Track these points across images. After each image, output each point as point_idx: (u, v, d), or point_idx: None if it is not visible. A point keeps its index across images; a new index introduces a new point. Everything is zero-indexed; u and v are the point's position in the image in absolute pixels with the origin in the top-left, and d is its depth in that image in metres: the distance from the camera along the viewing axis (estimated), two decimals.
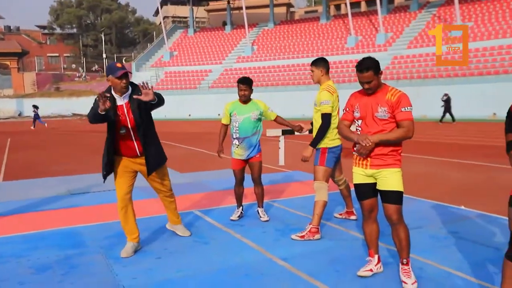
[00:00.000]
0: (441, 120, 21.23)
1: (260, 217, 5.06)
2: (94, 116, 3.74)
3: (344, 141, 3.94)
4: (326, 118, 4.26)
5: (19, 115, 42.25)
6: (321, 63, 4.42)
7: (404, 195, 3.27)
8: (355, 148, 3.27)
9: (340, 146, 4.45)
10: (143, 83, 3.74)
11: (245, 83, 4.80)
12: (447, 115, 21.07)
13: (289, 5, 56.07)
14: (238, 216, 5.11)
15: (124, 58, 49.16)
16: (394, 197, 3.18)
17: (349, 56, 31.83)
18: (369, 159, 3.21)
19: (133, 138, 3.92)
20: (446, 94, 21.13)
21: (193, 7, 44.75)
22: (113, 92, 3.86)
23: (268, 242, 4.27)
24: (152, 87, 3.82)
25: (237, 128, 4.85)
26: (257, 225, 4.85)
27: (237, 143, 4.88)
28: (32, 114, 26.56)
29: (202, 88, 35.00)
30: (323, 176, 4.36)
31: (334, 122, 4.31)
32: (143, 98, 3.70)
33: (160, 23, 44.14)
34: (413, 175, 7.75)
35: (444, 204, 5.58)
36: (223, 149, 5.06)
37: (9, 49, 50.83)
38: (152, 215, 5.21)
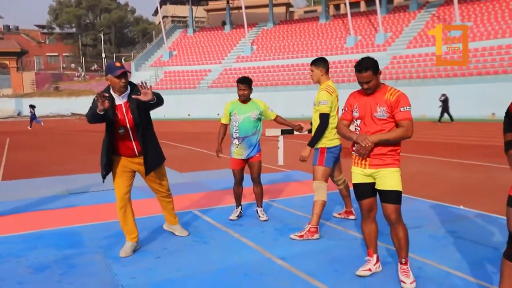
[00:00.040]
0: (439, 120, 21.27)
1: (259, 216, 5.06)
2: (93, 116, 3.73)
3: (344, 141, 3.94)
4: (324, 118, 4.26)
5: (18, 114, 42.20)
6: (321, 63, 4.42)
7: (403, 194, 3.27)
8: (354, 148, 3.28)
9: (339, 146, 4.46)
10: (141, 82, 3.74)
11: (245, 83, 4.80)
12: (445, 115, 21.11)
13: (288, 5, 56.07)
14: (237, 216, 5.11)
15: (123, 57, 49.11)
16: (393, 197, 3.18)
17: (348, 56, 31.82)
18: (368, 158, 3.21)
19: (132, 138, 3.92)
20: (444, 94, 21.16)
21: (193, 7, 44.70)
22: (112, 92, 3.85)
23: (267, 241, 4.27)
24: (151, 86, 3.82)
25: (237, 128, 4.85)
26: (256, 225, 4.85)
27: (237, 142, 4.88)
28: (29, 114, 26.58)
29: (201, 88, 34.99)
30: (322, 176, 4.36)
31: (333, 122, 4.31)
32: (142, 98, 3.70)
33: (160, 22, 44.11)
34: (412, 175, 7.76)
35: (443, 204, 5.59)
36: (222, 149, 5.05)
37: (8, 48, 50.77)
38: (151, 214, 5.20)
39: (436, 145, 12.79)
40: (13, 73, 50.63)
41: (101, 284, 3.36)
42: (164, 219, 4.59)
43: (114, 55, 55.57)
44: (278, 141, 9.82)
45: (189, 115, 32.93)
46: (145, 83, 3.75)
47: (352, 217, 4.98)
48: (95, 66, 56.88)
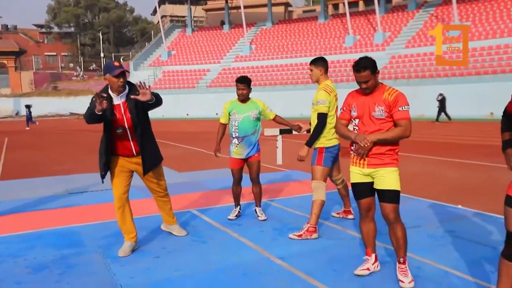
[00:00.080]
0: (437, 120, 21.30)
1: (258, 216, 5.06)
2: (91, 116, 3.72)
3: (342, 140, 3.95)
4: (322, 118, 4.27)
5: (17, 114, 42.12)
6: (320, 62, 4.42)
7: (401, 194, 3.28)
8: (352, 148, 3.28)
9: (337, 146, 4.46)
10: (140, 82, 3.73)
11: (244, 82, 4.80)
12: (442, 114, 21.14)
13: (287, 5, 56.04)
14: (236, 216, 5.11)
15: (122, 57, 48.99)
16: (391, 196, 3.19)
17: (347, 55, 31.83)
18: (366, 158, 3.22)
19: (130, 137, 3.91)
20: (441, 94, 21.20)
21: (191, 6, 44.67)
22: (110, 92, 3.85)
23: (266, 241, 4.27)
24: (149, 86, 3.81)
25: (237, 127, 4.85)
26: (254, 224, 4.85)
27: (237, 142, 4.88)
28: (27, 114, 26.62)
29: (200, 87, 34.97)
30: (321, 175, 4.36)
31: (332, 121, 4.31)
32: (141, 98, 3.69)
33: (158, 22, 43.99)
34: (411, 174, 7.77)
35: (442, 203, 5.60)
36: (220, 149, 5.05)
37: (6, 48, 50.65)
38: (150, 214, 5.20)
39: (435, 145, 12.81)
40: (11, 72, 50.53)
41: (100, 284, 3.36)
42: (162, 220, 4.58)
43: (113, 54, 55.47)
44: (277, 140, 9.82)
45: (187, 114, 32.92)
46: (144, 83, 3.75)
47: (350, 216, 4.98)
48: (94, 65, 56.77)
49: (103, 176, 3.99)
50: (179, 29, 45.80)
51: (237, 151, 4.90)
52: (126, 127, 3.86)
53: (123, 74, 3.77)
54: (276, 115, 5.07)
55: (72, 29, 65.84)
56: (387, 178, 3.19)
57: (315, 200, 4.34)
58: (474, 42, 26.73)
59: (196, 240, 4.34)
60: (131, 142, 3.93)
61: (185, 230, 4.56)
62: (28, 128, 25.05)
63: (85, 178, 7.83)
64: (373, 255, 3.45)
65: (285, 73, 33.08)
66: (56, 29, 66.23)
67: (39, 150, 14.04)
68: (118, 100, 3.85)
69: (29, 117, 26.07)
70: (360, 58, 3.20)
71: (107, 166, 3.95)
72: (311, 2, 63.89)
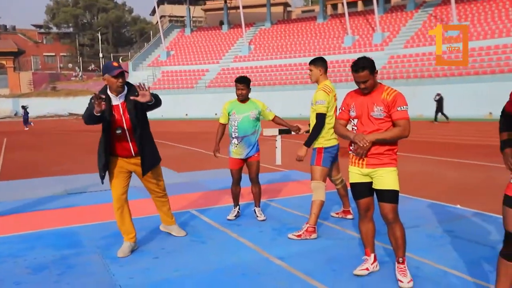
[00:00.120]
0: (435, 120, 21.32)
1: (257, 216, 5.06)
2: (89, 117, 3.72)
3: (341, 140, 3.95)
4: (320, 118, 4.27)
5: (15, 114, 42.07)
6: (320, 62, 4.43)
7: (400, 194, 3.28)
8: (351, 148, 3.28)
9: (336, 146, 4.46)
10: (139, 84, 3.74)
11: (243, 82, 4.80)
12: (440, 114, 21.16)
13: (286, 5, 56.06)
14: (235, 216, 5.11)
15: (121, 57, 48.95)
16: (390, 196, 3.19)
17: (346, 55, 31.85)
18: (365, 158, 3.22)
19: (129, 138, 3.91)
20: (438, 94, 21.23)
21: (190, 7, 44.66)
22: (109, 92, 3.84)
23: (265, 241, 4.28)
24: (149, 88, 3.82)
25: (236, 127, 4.86)
26: (254, 225, 4.86)
27: (236, 142, 4.88)
28: (24, 115, 26.66)
29: (199, 87, 34.96)
30: (320, 176, 4.37)
31: (331, 122, 4.32)
32: (140, 99, 3.69)
33: (157, 22, 44.02)
34: (409, 174, 7.78)
35: (440, 203, 5.60)
36: (220, 149, 5.05)
37: (5, 48, 50.61)
38: (149, 215, 5.20)
39: (434, 145, 12.82)
40: (10, 73, 50.47)
41: (99, 284, 3.36)
42: (161, 220, 4.58)
43: (112, 55, 55.41)
44: (276, 140, 9.83)
45: (186, 115, 32.91)
46: (144, 85, 3.75)
47: (349, 216, 4.99)
48: (93, 66, 56.72)
49: (102, 177, 3.99)
50: (178, 29, 45.78)
51: (236, 151, 4.90)
52: (125, 128, 3.86)
53: (122, 74, 3.77)
54: (275, 116, 5.08)
55: (71, 30, 65.75)
56: (386, 178, 3.19)
57: (314, 200, 4.35)
58: (473, 42, 26.74)
59: (195, 241, 4.35)
60: (130, 143, 3.92)
61: (184, 230, 4.56)
62: (27, 129, 25.03)
63: (84, 178, 7.83)
64: (372, 255, 3.45)
65: (284, 73, 33.09)
66: (54, 30, 66.13)
67: (38, 150, 14.03)
68: (117, 101, 3.85)
69: (25, 118, 26.09)
70: (359, 58, 3.21)
71: (106, 167, 3.95)
72: (310, 2, 63.91)
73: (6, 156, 12.51)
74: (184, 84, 35.97)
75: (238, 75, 5.06)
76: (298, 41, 36.63)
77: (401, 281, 3.17)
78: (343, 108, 3.39)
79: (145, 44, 45.54)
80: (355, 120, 3.29)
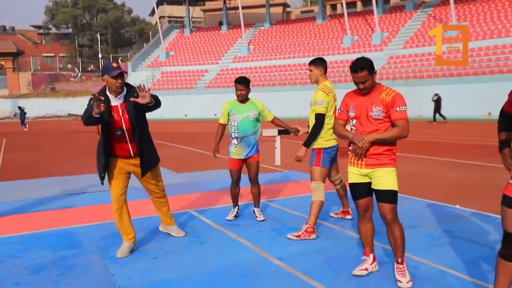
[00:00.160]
0: (434, 120, 21.34)
1: (256, 217, 5.06)
2: (89, 119, 3.72)
3: (341, 140, 3.95)
4: (320, 118, 4.27)
5: (15, 115, 42.03)
6: (319, 62, 4.44)
7: (399, 194, 3.29)
8: (350, 148, 3.29)
9: (336, 147, 4.46)
10: (139, 85, 3.74)
11: (242, 83, 4.81)
12: (437, 115, 21.18)
13: (285, 5, 56.08)
14: (234, 216, 5.12)
15: (120, 58, 48.94)
16: (389, 196, 3.20)
17: (345, 56, 31.87)
18: (364, 158, 3.23)
19: (128, 139, 3.91)
20: (436, 94, 21.25)
21: (189, 7, 44.67)
22: (108, 93, 3.84)
23: (264, 241, 4.28)
24: (149, 89, 3.82)
25: (236, 128, 4.86)
26: (253, 225, 4.86)
27: (236, 142, 4.88)
28: (21, 116, 26.73)
29: (198, 88, 34.97)
30: (320, 176, 4.37)
31: (330, 122, 4.32)
32: (140, 100, 3.70)
33: (156, 23, 44.08)
34: (408, 174, 7.79)
35: (439, 203, 5.61)
36: (219, 149, 5.05)
37: (4, 49, 50.63)
38: (148, 215, 5.20)
39: (433, 145, 12.83)
40: (9, 73, 50.47)
41: (98, 285, 3.36)
42: (160, 221, 4.58)
43: (111, 55, 55.42)
44: (275, 141, 9.83)
45: (186, 115, 32.91)
46: (143, 86, 3.75)
47: (349, 216, 4.99)
48: (92, 66, 56.74)
49: (102, 178, 3.98)
50: (177, 29, 45.78)
51: (236, 151, 4.90)
52: (124, 128, 3.86)
53: (121, 75, 3.77)
54: (274, 117, 5.07)
55: (70, 30, 65.76)
56: (384, 178, 3.20)
57: (314, 200, 4.35)
58: (471, 42, 26.77)
59: (195, 241, 4.35)
60: (129, 144, 3.92)
61: (184, 231, 4.56)
62: (26, 129, 25.03)
63: (83, 179, 7.83)
64: (371, 255, 3.46)
65: (283, 74, 33.10)
66: (54, 30, 66.12)
67: (37, 151, 14.02)
68: (116, 102, 3.85)
69: (22, 119, 26.15)
70: (357, 59, 3.21)
71: (106, 168, 3.95)
72: (309, 3, 63.96)
73: (5, 157, 12.50)
74: (184, 85, 35.97)
75: (237, 76, 5.06)
76: (297, 41, 36.65)
77: (400, 281, 3.17)
78: (342, 109, 3.39)
79: (144, 44, 45.55)
80: (354, 121, 3.29)
